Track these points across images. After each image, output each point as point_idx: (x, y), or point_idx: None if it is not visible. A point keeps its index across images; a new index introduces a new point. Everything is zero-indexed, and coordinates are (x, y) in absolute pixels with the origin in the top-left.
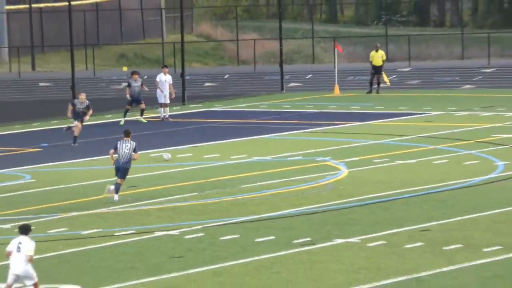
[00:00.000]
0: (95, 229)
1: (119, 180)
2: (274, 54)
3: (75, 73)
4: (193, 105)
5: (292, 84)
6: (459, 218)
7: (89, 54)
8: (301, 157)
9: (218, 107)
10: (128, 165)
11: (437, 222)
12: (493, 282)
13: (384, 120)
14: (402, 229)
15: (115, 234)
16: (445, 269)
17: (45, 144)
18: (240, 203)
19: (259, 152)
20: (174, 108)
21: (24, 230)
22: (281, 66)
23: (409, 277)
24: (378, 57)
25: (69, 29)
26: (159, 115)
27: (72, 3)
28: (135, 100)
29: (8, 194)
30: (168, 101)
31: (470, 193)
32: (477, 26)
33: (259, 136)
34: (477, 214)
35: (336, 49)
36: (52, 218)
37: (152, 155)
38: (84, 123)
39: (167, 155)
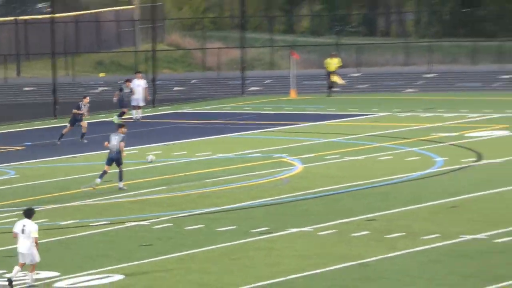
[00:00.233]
0: (73, 220)
1: (105, 167)
2: (236, 61)
3: (56, 79)
4: (163, 107)
5: (252, 88)
6: (402, 209)
7: (69, 62)
8: (260, 154)
9: (186, 109)
10: (118, 155)
11: (381, 213)
12: (430, 267)
13: (336, 120)
14: (350, 219)
15: (90, 224)
16: (388, 255)
17: (29, 143)
18: (205, 196)
19: (222, 150)
20: (146, 110)
21: (28, 213)
22: (242, 72)
23: (356, 262)
24: (333, 64)
25: (51, 39)
26: (132, 116)
27: (54, 15)
28: (124, 104)
29: None
30: (141, 104)
31: (411, 186)
32: (420, 35)
33: (223, 135)
34: (418, 205)
35: (292, 57)
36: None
37: (124, 153)
38: (64, 124)
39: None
